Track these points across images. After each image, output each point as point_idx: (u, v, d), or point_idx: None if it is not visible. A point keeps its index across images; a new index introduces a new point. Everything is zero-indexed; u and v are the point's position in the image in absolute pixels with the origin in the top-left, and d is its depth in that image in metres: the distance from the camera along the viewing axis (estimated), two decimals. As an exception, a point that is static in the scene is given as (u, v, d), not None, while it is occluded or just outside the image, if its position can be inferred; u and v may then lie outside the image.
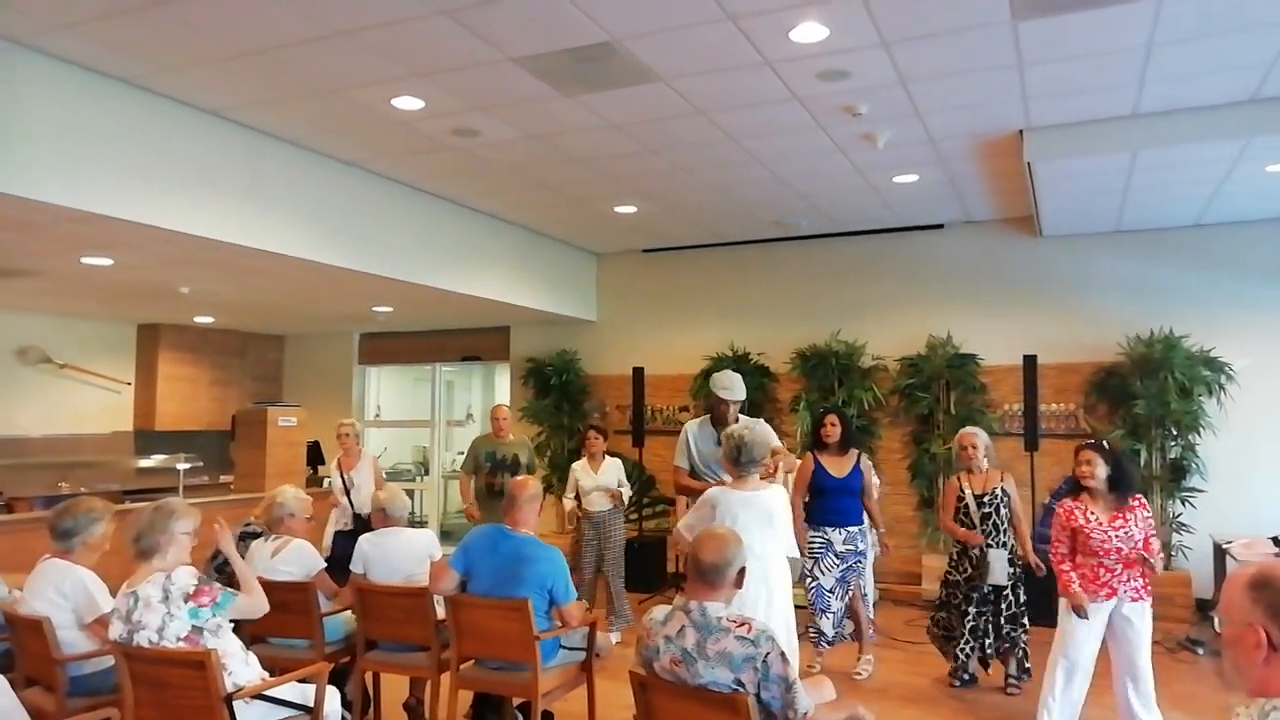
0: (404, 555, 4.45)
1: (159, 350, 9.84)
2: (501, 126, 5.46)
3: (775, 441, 5.16)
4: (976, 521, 5.07)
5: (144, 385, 9.87)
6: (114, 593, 3.39)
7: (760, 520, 3.76)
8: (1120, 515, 4.11)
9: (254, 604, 3.45)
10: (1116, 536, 4.07)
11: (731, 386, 4.93)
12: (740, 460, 3.87)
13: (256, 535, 4.52)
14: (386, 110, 5.16)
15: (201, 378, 10.28)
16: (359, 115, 5.26)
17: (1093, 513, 4.15)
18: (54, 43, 4.29)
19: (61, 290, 7.55)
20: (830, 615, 5.38)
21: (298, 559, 4.33)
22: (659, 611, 2.87)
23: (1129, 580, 4.09)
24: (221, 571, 4.42)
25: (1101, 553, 4.10)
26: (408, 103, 5.05)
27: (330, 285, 7.14)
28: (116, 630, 3.17)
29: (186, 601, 3.16)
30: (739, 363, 8.32)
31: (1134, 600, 4.10)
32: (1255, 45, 4.32)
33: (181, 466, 8.60)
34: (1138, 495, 4.20)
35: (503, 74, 4.64)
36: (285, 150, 5.77)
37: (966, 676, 5.16)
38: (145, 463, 9.44)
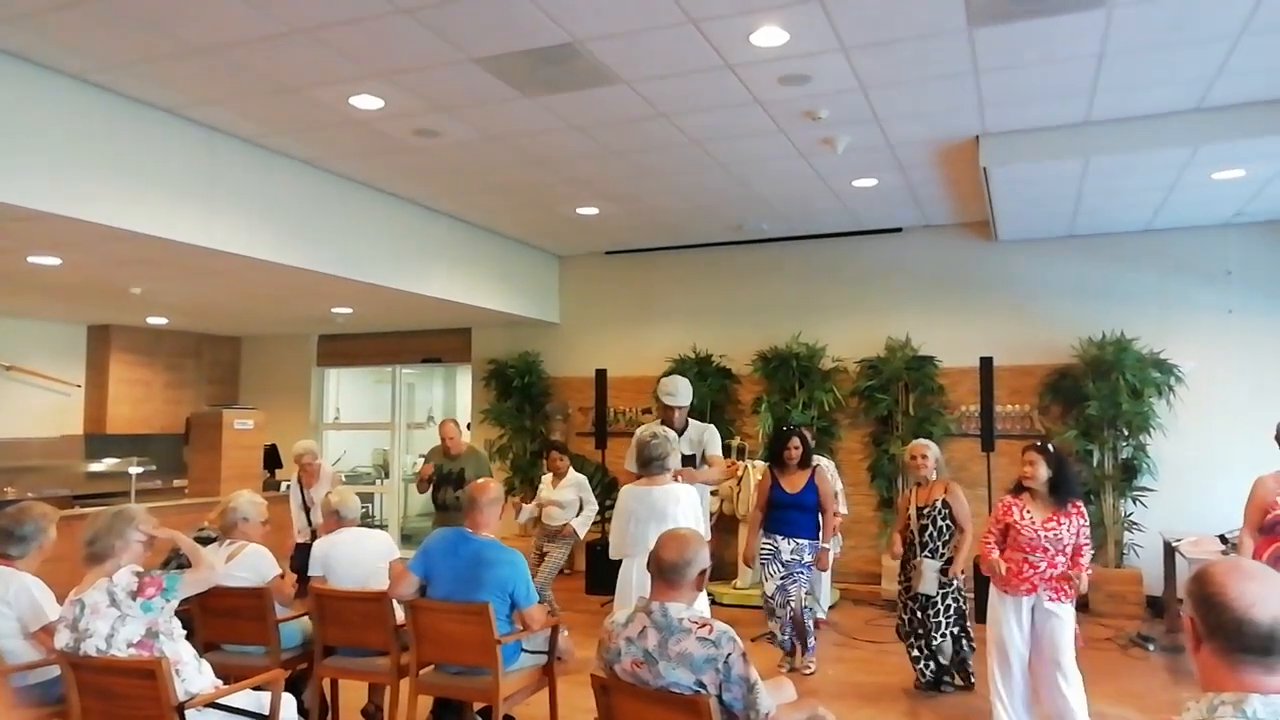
0: (366, 552, 4.41)
1: (110, 352, 9.62)
2: (462, 127, 5.43)
3: (716, 447, 5.22)
4: (916, 533, 5.13)
5: (95, 387, 9.64)
6: (59, 600, 3.31)
7: (654, 515, 3.92)
8: (1054, 518, 4.20)
9: (201, 576, 3.40)
10: (1045, 537, 4.16)
11: (675, 392, 5.00)
12: (640, 459, 4.10)
13: (210, 540, 4.43)
14: (345, 109, 5.11)
15: (155, 380, 10.07)
16: (317, 114, 5.19)
17: (1029, 511, 4.25)
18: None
19: (7, 290, 7.35)
20: (777, 619, 5.51)
21: (253, 565, 4.24)
22: (620, 614, 2.86)
23: (1050, 580, 4.18)
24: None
25: (1028, 549, 4.20)
26: (367, 102, 4.99)
27: (288, 286, 7.03)
28: (63, 639, 3.09)
29: (134, 599, 3.09)
30: (701, 365, 8.36)
31: (1052, 600, 4.18)
32: (1200, 57, 4.44)
33: (134, 470, 8.42)
34: (1077, 501, 4.26)
35: (463, 74, 4.61)
36: (242, 148, 5.67)
37: (925, 680, 5.20)
38: (96, 467, 9.23)
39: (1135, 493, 7.22)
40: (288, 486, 9.22)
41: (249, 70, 4.56)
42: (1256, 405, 6.82)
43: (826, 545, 5.56)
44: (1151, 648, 6.09)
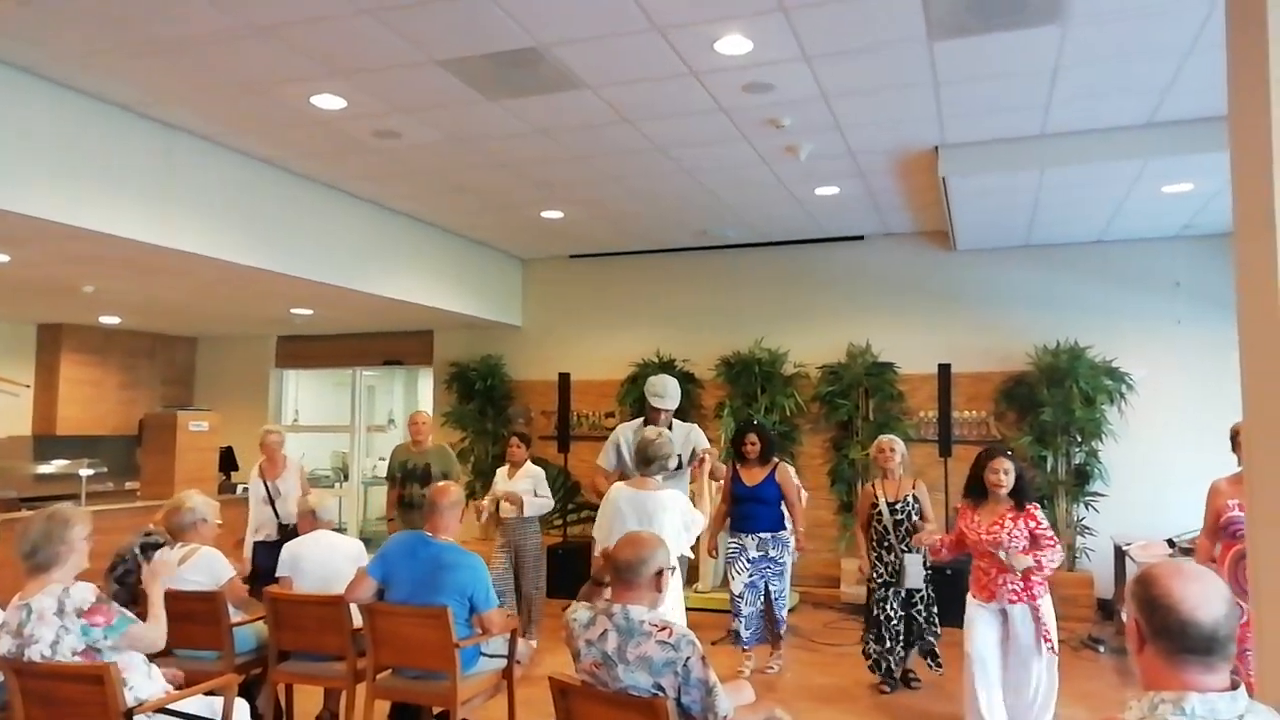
0: (336, 556, 4.37)
1: (61, 351, 9.39)
2: (425, 129, 5.40)
3: (704, 443, 5.22)
4: (890, 528, 5.22)
5: (44, 388, 9.41)
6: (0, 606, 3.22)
7: (641, 519, 3.88)
8: (999, 521, 4.25)
9: (151, 637, 3.23)
10: (986, 540, 4.23)
11: (664, 393, 4.96)
12: (642, 458, 4.05)
13: (159, 545, 4.33)
14: (306, 109, 5.05)
15: (107, 380, 9.86)
16: (278, 113, 5.14)
17: (977, 517, 4.33)
18: (-51, 27, 4.08)
19: (-46, 287, 7.16)
20: (742, 618, 5.51)
21: (207, 567, 4.18)
22: (583, 614, 2.86)
23: (1005, 584, 4.22)
24: (122, 583, 4.25)
25: (976, 554, 4.31)
26: (328, 101, 4.95)
27: (246, 286, 6.93)
28: (5, 645, 3.01)
29: (79, 617, 3.01)
30: (664, 369, 8.37)
31: (1011, 603, 4.23)
32: (1151, 71, 4.56)
33: (84, 472, 8.24)
34: (1030, 503, 4.32)
35: (427, 76, 4.58)
36: (200, 146, 5.59)
37: (895, 679, 5.27)
38: (45, 468, 9.01)
39: (1087, 498, 7.37)
40: (244, 489, 9.10)
41: (209, 68, 4.49)
42: (1204, 413, 6.99)
43: (800, 530, 5.60)
44: (1102, 649, 6.22)
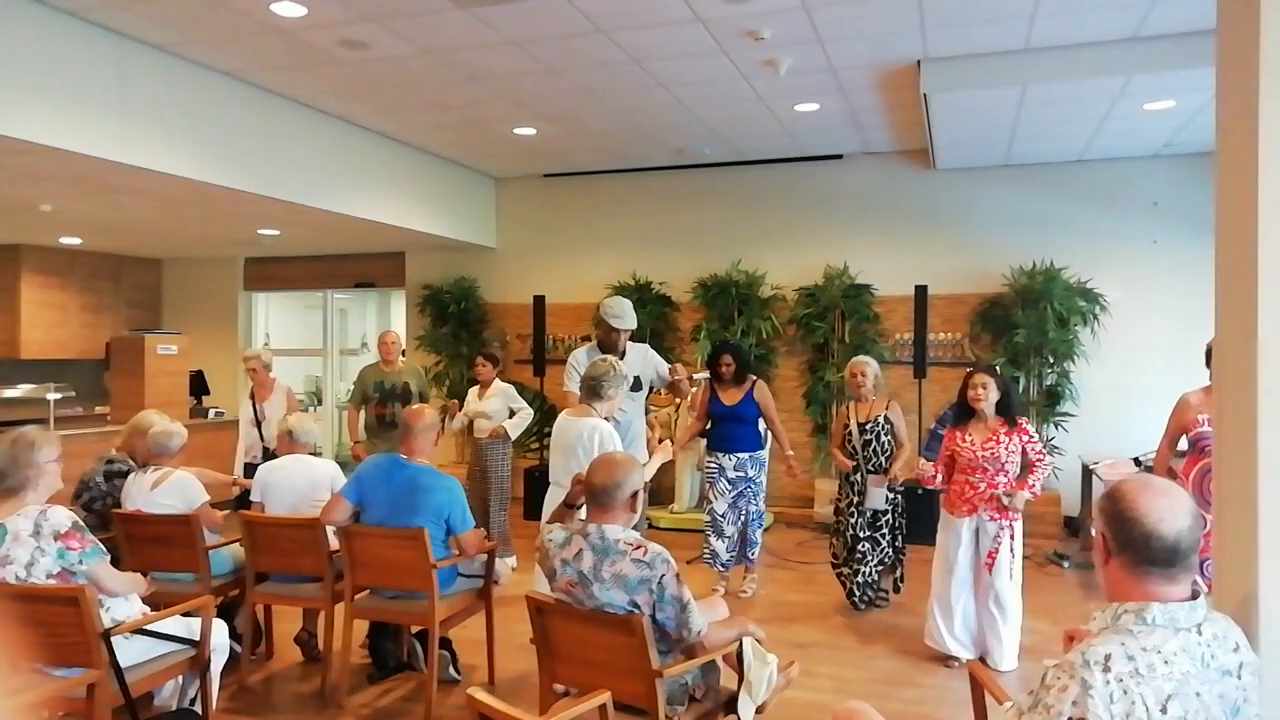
0: (307, 483, 4.34)
1: (20, 273, 9.15)
2: (393, 40, 5.19)
3: (663, 364, 5.18)
4: (858, 448, 5.26)
5: (5, 310, 9.20)
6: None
7: (563, 448, 3.95)
8: (993, 438, 4.33)
9: (113, 585, 3.18)
10: (983, 457, 4.32)
11: (622, 315, 4.91)
12: (582, 384, 4.09)
13: (124, 473, 4.28)
14: (265, 16, 4.83)
15: (71, 303, 9.64)
16: (235, 21, 4.90)
17: (969, 436, 4.39)
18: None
19: (-96, 206, 6.91)
20: (725, 539, 5.54)
21: (179, 491, 4.14)
22: (558, 534, 2.87)
23: (990, 500, 4.32)
24: (89, 509, 4.22)
25: (968, 470, 4.37)
26: (288, 9, 4.72)
27: (210, 206, 6.74)
28: (-21, 567, 2.99)
29: (56, 540, 2.99)
30: (641, 291, 8.32)
31: (991, 520, 4.33)
32: (1141, -17, 4.44)
33: (52, 397, 8.12)
34: (1023, 420, 4.39)
35: (392, -19, 4.38)
36: (156, 58, 5.34)
37: (863, 597, 5.35)
38: (10, 393, 8.86)
39: (1057, 418, 7.48)
40: (217, 414, 9.05)
41: (159, -30, 4.26)
42: (1176, 333, 7.08)
43: (790, 452, 5.63)
44: (1066, 565, 6.40)
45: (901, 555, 5.40)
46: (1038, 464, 4.35)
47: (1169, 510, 1.64)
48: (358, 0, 4.62)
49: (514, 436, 6.34)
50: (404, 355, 9.09)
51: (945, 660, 4.46)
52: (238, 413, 6.88)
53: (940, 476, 4.51)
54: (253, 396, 6.43)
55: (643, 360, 5.07)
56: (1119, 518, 1.67)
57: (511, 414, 6.36)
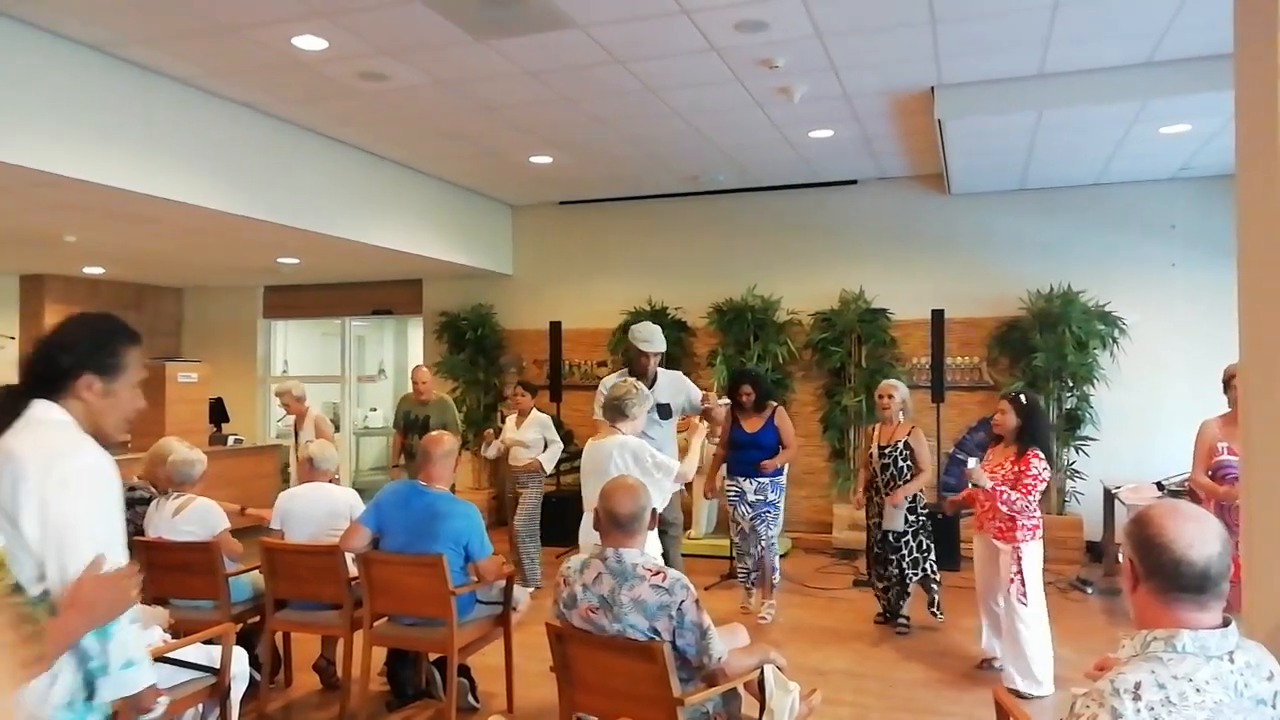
0: (325, 511, 4.34)
1: (45, 303, 9.28)
2: (411, 71, 5.26)
3: (696, 391, 5.15)
4: (877, 471, 5.33)
5: (29, 340, 9.31)
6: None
7: (595, 471, 3.79)
8: (1001, 462, 4.38)
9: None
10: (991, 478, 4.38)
11: (650, 339, 4.90)
12: (604, 404, 4.03)
13: (146, 500, 4.31)
14: (287, 50, 4.91)
15: (93, 332, 9.74)
16: (258, 55, 4.99)
17: (990, 456, 4.51)
18: (-89, -36, 3.93)
19: (-68, 238, 7.03)
20: (745, 558, 5.68)
21: (201, 518, 4.17)
22: (576, 560, 2.87)
23: (992, 520, 4.35)
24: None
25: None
26: (310, 43, 4.81)
27: (231, 235, 6.82)
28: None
29: None
30: (656, 317, 8.31)
31: (995, 538, 4.35)
32: (1151, 10, 4.45)
33: (74, 425, 8.18)
34: (1032, 450, 4.30)
35: (411, 15, 4.45)
36: (180, 91, 5.44)
37: (889, 617, 5.42)
38: (33, 422, 8.94)
39: (1078, 442, 7.41)
40: (236, 440, 9.10)
41: (184, 7, 4.35)
42: (1195, 357, 7.01)
43: (781, 464, 5.63)
44: (1090, 590, 6.31)
45: (935, 581, 5.39)
46: (1021, 490, 4.21)
47: (1199, 536, 1.62)
48: (377, 34, 4.70)
49: (548, 470, 6.45)
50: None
51: (988, 661, 4.65)
52: (256, 440, 7.00)
53: (965, 501, 4.63)
54: (295, 425, 6.76)
55: (674, 386, 5.01)
56: (1147, 544, 1.65)
57: (545, 445, 6.42)
